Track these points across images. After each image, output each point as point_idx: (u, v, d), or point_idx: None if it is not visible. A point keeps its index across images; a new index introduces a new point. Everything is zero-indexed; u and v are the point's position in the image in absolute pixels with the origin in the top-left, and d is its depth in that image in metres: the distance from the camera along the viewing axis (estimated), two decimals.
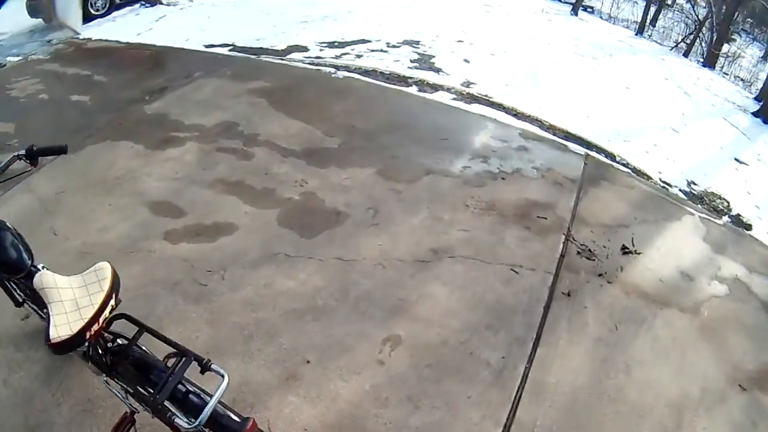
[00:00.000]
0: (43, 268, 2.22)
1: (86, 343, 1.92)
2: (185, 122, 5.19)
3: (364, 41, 7.86)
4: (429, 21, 9.05)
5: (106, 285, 1.97)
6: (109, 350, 2.08)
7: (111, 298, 1.95)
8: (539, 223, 4.14)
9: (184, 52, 7.16)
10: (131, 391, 1.93)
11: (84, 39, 7.74)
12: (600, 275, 3.73)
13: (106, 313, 1.93)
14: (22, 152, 2.53)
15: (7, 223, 2.39)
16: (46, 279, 2.00)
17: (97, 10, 8.72)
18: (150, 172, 4.48)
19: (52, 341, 1.82)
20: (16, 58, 7.09)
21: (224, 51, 7.28)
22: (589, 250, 3.93)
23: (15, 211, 4.43)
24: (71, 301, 1.94)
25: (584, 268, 3.76)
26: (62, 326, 1.85)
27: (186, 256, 3.64)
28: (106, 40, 7.62)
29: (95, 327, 1.88)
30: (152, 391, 1.86)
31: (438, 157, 4.86)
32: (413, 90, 6.37)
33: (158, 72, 6.52)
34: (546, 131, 5.74)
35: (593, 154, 5.44)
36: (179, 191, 4.27)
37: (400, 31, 8.35)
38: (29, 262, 2.26)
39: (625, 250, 3.99)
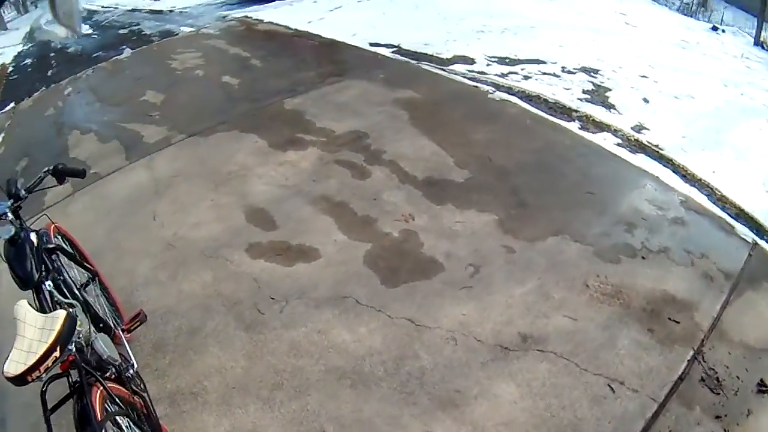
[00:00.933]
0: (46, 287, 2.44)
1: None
2: (316, 124, 5.09)
3: (537, 61, 7.30)
4: (616, 49, 8.26)
5: (51, 337, 1.97)
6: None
7: (54, 350, 1.95)
8: (668, 326, 3.41)
9: (346, 47, 7.12)
10: None
11: (256, 20, 7.98)
12: (718, 417, 2.98)
13: (48, 362, 1.94)
14: (51, 168, 2.85)
15: (32, 236, 2.66)
16: (20, 311, 2.06)
17: None
18: (261, 174, 4.43)
19: (4, 373, 1.89)
20: (189, 29, 7.47)
21: (387, 52, 7.12)
22: (717, 379, 3.16)
23: (129, 186, 4.60)
24: (29, 340, 1.97)
25: (702, 403, 3.02)
26: (14, 363, 1.91)
27: (258, 276, 3.50)
28: (276, 24, 7.79)
29: (35, 373, 1.91)
30: None
31: (574, 215, 4.24)
32: (574, 126, 5.75)
33: (313, 65, 6.52)
34: (714, 203, 4.86)
35: (763, 244, 4.51)
36: (280, 201, 4.16)
37: (581, 55, 7.67)
38: (35, 280, 2.45)
39: (762, 388, 3.17)
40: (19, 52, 15.03)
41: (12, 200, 2.72)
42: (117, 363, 2.66)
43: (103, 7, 18.65)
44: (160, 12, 14.20)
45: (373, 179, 4.43)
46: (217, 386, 2.92)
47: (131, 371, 2.77)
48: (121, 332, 3.06)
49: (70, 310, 2.46)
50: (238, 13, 10.46)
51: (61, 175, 2.91)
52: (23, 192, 2.76)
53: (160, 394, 2.94)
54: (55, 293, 2.55)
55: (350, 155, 4.70)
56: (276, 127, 4.99)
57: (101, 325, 2.93)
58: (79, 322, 2.38)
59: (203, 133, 4.84)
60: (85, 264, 3.30)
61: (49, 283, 2.54)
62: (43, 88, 9.18)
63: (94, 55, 9.78)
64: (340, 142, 4.86)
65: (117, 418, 2.12)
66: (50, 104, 8.49)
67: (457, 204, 4.22)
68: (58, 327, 2.02)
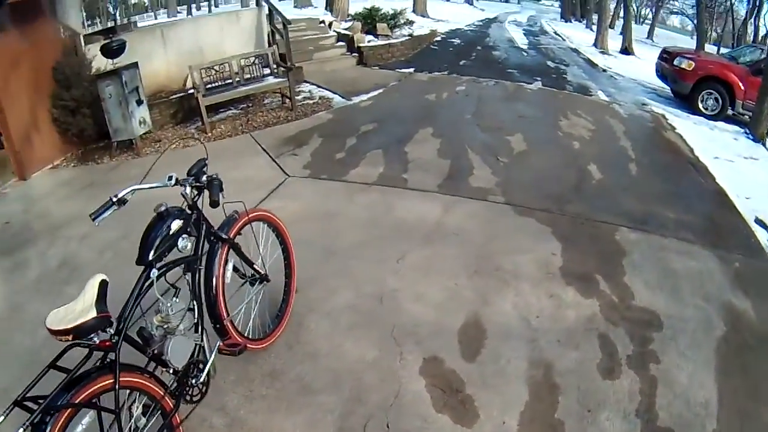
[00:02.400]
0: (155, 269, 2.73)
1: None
2: None
3: None
4: None
5: (77, 321, 2.38)
6: None
7: (68, 333, 2.36)
8: None
9: None
10: None
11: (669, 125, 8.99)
12: None
13: (64, 338, 2.37)
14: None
15: (175, 222, 2.83)
16: (93, 280, 2.54)
17: None
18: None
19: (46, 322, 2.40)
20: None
21: None
22: None
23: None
24: (75, 308, 2.45)
25: None
26: (52, 317, 2.42)
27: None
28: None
29: (61, 337, 2.38)
30: None
31: None
32: None
33: None
34: None
35: None
36: None
37: None
38: (143, 261, 2.72)
39: None
40: (452, 30, 18.29)
41: (192, 177, 2.99)
42: (177, 368, 2.89)
43: None
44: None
45: None
46: None
47: (193, 380, 3.05)
48: (220, 344, 3.27)
49: (166, 301, 2.83)
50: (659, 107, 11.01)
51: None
52: (205, 178, 3.03)
53: None
54: (154, 282, 2.74)
55: None
56: None
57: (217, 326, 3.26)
58: (160, 316, 2.81)
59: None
60: (255, 267, 3.60)
61: (154, 271, 2.73)
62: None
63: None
64: None
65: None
66: (437, 89, 10.01)
67: None
68: (81, 321, 2.36)
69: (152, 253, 2.74)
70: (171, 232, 2.80)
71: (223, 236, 3.26)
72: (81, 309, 2.41)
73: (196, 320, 3.08)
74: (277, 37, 11.17)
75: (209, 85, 9.61)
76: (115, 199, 2.77)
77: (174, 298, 2.93)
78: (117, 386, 2.47)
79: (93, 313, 2.38)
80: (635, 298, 4.14)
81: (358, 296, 4.16)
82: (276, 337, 3.80)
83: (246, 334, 3.58)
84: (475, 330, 3.76)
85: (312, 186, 6.21)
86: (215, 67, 9.58)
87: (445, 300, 4.03)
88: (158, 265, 2.78)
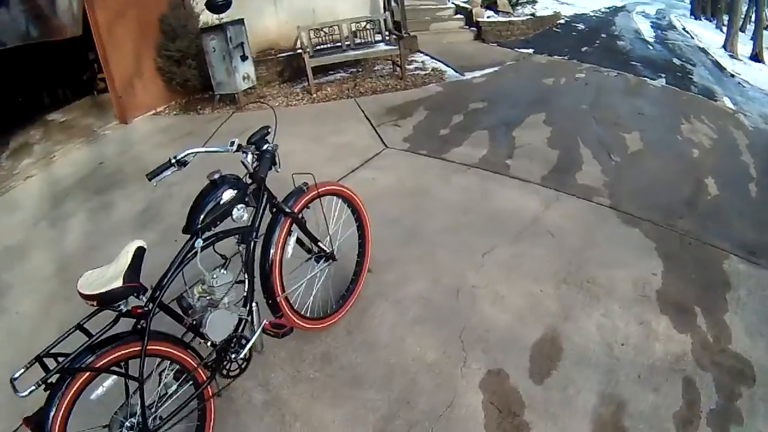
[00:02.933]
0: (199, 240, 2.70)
1: None
2: None
3: None
4: None
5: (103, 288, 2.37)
6: None
7: (93, 299, 2.36)
8: None
9: None
10: None
11: None
12: None
13: (90, 302, 2.37)
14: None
15: (227, 192, 2.78)
16: (130, 246, 2.54)
17: None
18: None
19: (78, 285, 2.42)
20: None
21: None
22: None
23: None
24: (107, 273, 2.45)
25: None
26: (84, 279, 2.45)
27: None
28: None
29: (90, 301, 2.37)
30: None
31: None
32: None
33: None
34: None
35: None
36: None
37: None
38: (193, 228, 2.70)
39: None
40: (576, 14, 18.09)
41: (253, 145, 2.93)
42: (214, 342, 2.87)
43: None
44: None
45: None
46: None
47: (232, 355, 3.01)
48: (265, 324, 3.17)
49: (210, 272, 2.79)
50: None
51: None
52: (270, 146, 2.97)
53: None
54: (198, 252, 2.70)
55: None
56: None
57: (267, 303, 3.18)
58: (201, 287, 2.79)
59: None
60: (319, 244, 3.47)
61: (199, 241, 2.70)
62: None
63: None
64: None
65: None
66: (555, 73, 9.58)
67: None
68: (107, 288, 2.34)
69: (199, 221, 2.70)
70: (222, 201, 2.75)
71: (286, 209, 3.15)
72: (111, 275, 2.40)
73: (245, 294, 3.03)
74: (393, 4, 10.99)
75: (318, 47, 9.61)
76: (173, 160, 2.80)
77: (221, 270, 2.88)
78: (144, 354, 2.49)
79: (119, 282, 2.36)
80: (732, 341, 3.61)
81: (433, 287, 3.97)
82: (337, 320, 3.69)
83: (304, 313, 3.50)
84: (551, 347, 3.44)
85: (408, 160, 6.06)
86: (325, 29, 9.58)
87: (526, 307, 3.74)
88: (206, 234, 2.75)
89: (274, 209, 3.16)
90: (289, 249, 3.22)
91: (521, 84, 8.81)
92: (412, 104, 7.96)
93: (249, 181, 2.95)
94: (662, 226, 4.64)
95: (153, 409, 2.66)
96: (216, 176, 2.79)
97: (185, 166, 2.88)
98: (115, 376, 2.47)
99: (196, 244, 2.70)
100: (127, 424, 2.53)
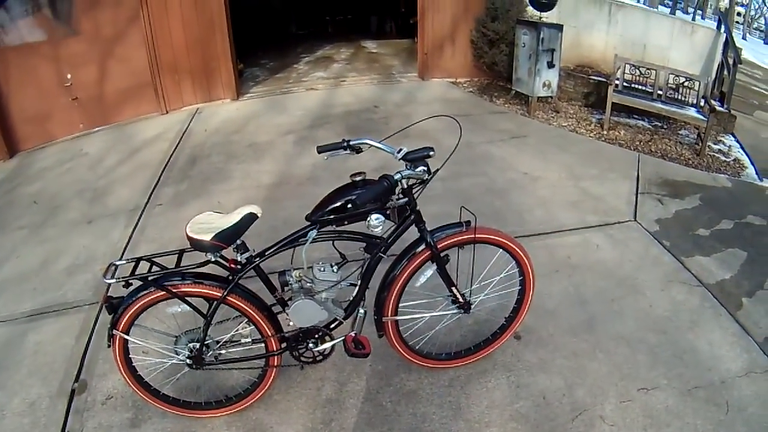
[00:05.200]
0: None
1: None
2: None
3: None
4: None
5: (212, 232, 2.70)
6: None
7: (210, 242, 2.69)
8: None
9: None
10: None
11: None
12: None
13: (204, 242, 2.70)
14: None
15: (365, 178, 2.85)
16: (250, 207, 2.86)
17: None
18: None
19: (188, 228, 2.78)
20: None
21: None
22: None
23: None
24: (216, 222, 2.78)
25: None
26: (192, 223, 2.80)
27: None
28: None
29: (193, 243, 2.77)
30: None
31: None
32: None
33: None
34: None
35: None
36: None
37: None
38: (313, 218, 2.87)
39: None
40: None
41: (410, 162, 2.85)
42: (298, 330, 3.09)
43: None
44: None
45: None
46: None
47: (310, 344, 3.15)
48: (349, 337, 3.18)
49: (322, 267, 2.95)
50: None
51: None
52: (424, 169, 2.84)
53: None
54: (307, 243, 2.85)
55: None
56: None
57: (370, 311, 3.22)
58: (299, 275, 2.92)
59: None
60: (453, 289, 3.33)
61: (312, 233, 2.84)
62: None
63: None
64: None
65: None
66: None
67: None
68: (199, 237, 2.67)
69: (321, 214, 2.81)
70: (355, 204, 2.75)
71: (429, 240, 3.07)
72: (214, 227, 2.69)
73: (352, 298, 3.12)
74: (725, 72, 10.18)
75: (630, 84, 9.30)
76: (345, 144, 2.96)
77: (332, 266, 3.00)
78: (220, 301, 2.84)
79: (208, 237, 2.65)
80: None
81: (562, 392, 3.72)
82: (445, 367, 3.68)
83: (414, 345, 3.53)
84: None
85: (645, 245, 5.74)
86: (641, 69, 9.23)
87: None
88: (325, 228, 2.86)
89: (419, 236, 3.10)
90: (422, 278, 3.19)
91: None
92: (690, 187, 7.42)
93: (400, 196, 2.92)
94: None
95: (217, 348, 3.06)
96: (358, 178, 2.81)
97: (358, 153, 3.05)
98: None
99: (308, 235, 2.85)
100: (190, 345, 2.99)
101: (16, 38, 7.58)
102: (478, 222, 3.14)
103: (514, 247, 3.35)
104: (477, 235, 3.13)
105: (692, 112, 8.80)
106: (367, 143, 2.99)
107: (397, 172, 2.77)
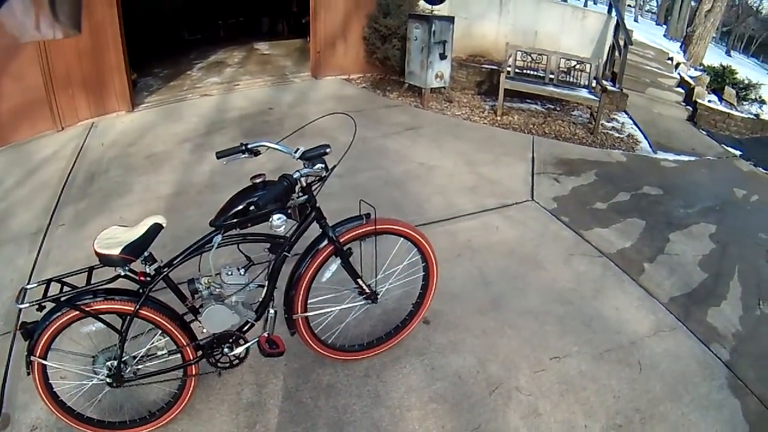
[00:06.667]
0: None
1: None
2: None
3: None
4: None
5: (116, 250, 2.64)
6: None
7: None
8: None
9: None
10: None
11: None
12: None
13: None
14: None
15: (268, 201, 2.72)
16: (150, 219, 2.83)
17: None
18: None
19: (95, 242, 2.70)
20: None
21: None
22: None
23: None
24: (120, 236, 2.75)
25: None
26: (98, 238, 2.71)
27: None
28: None
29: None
30: None
31: None
32: None
33: None
34: None
35: None
36: None
37: None
38: (217, 223, 2.84)
39: None
40: None
41: (307, 161, 2.86)
42: (212, 336, 3.05)
43: None
44: None
45: None
46: None
47: (225, 349, 3.11)
48: (264, 337, 3.16)
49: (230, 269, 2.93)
50: None
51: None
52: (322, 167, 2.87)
53: None
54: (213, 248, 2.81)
55: None
56: None
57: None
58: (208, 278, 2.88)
59: None
60: (359, 281, 3.34)
61: (218, 237, 2.81)
62: None
63: None
64: None
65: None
66: (750, 186, 7.64)
67: None
68: (106, 252, 2.62)
69: (224, 219, 2.81)
70: (256, 206, 2.77)
71: (331, 235, 3.10)
72: (120, 240, 2.67)
73: (261, 300, 3.10)
74: (617, 54, 10.46)
75: (522, 70, 9.42)
76: (244, 147, 2.95)
77: (239, 269, 2.99)
78: (133, 315, 2.79)
79: (117, 252, 2.62)
80: None
81: (476, 369, 3.75)
82: (359, 359, 3.69)
83: (326, 340, 3.55)
84: None
85: (544, 221, 5.80)
86: (533, 55, 9.37)
87: None
88: (229, 232, 2.87)
89: (321, 232, 3.14)
90: (328, 273, 3.21)
91: (708, 184, 7.91)
92: (586, 164, 7.56)
93: (300, 194, 2.94)
94: None
95: (134, 363, 2.99)
96: (258, 180, 2.84)
97: (256, 155, 3.03)
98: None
99: (214, 240, 2.82)
100: (108, 364, 2.91)
101: None
102: (378, 214, 3.19)
103: (414, 234, 3.42)
104: (377, 227, 3.20)
105: (584, 93, 9.01)
106: (265, 145, 3.00)
107: (296, 171, 2.78)
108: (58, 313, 2.72)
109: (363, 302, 3.47)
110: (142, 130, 7.86)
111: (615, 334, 4.28)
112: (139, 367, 3.02)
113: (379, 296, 3.49)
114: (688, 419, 3.69)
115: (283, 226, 2.84)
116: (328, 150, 2.88)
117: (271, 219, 2.80)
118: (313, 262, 3.14)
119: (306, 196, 2.95)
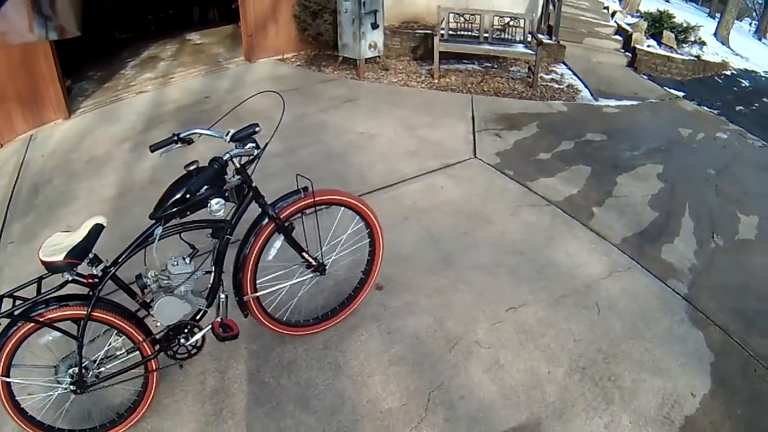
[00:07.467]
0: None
1: None
2: None
3: None
4: None
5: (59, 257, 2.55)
6: None
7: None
8: None
9: None
10: None
11: None
12: None
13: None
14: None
15: (202, 184, 2.73)
16: (91, 220, 2.78)
17: None
18: None
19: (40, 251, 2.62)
20: None
21: None
22: None
23: None
24: (63, 242, 2.65)
25: None
26: (43, 247, 2.63)
27: None
28: None
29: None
30: None
31: None
32: None
33: None
34: None
35: None
36: None
37: None
38: (156, 215, 2.77)
39: None
40: (746, 70, 14.21)
41: (238, 141, 2.84)
42: (166, 329, 2.99)
43: None
44: None
45: None
46: None
47: (182, 339, 3.07)
48: (217, 323, 3.11)
49: (176, 259, 2.86)
50: None
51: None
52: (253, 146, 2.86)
53: None
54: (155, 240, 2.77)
55: None
56: None
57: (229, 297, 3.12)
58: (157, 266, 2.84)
59: None
60: (304, 254, 3.29)
61: (159, 229, 2.76)
62: None
63: None
64: None
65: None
66: (695, 125, 7.83)
67: None
68: (51, 259, 2.53)
69: (162, 210, 2.75)
70: (193, 193, 2.73)
71: (270, 213, 3.07)
72: (65, 246, 2.59)
73: (211, 285, 3.05)
74: (551, 7, 10.32)
75: (455, 33, 9.24)
76: (176, 137, 2.91)
77: (184, 259, 2.93)
78: (86, 319, 2.73)
79: (61, 257, 2.54)
80: None
81: (434, 328, 3.71)
82: (316, 332, 3.65)
83: (281, 317, 3.51)
84: None
85: (488, 177, 5.67)
86: (465, 16, 9.17)
87: (521, 386, 3.33)
88: (170, 223, 2.82)
89: (260, 211, 3.12)
90: (273, 251, 3.20)
91: (652, 126, 7.88)
92: (527, 117, 7.43)
93: (235, 176, 2.90)
94: (733, 340, 3.86)
95: (95, 367, 2.95)
96: (192, 167, 2.77)
97: (190, 144, 2.99)
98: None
99: (155, 232, 2.78)
100: (70, 372, 2.87)
101: None
102: (321, 186, 3.19)
103: (354, 202, 3.40)
104: (315, 198, 3.16)
105: (520, 48, 8.87)
106: (196, 132, 2.97)
107: (226, 153, 2.77)
108: (14, 328, 2.69)
109: (311, 275, 3.41)
110: (81, 135, 7.54)
111: (570, 280, 4.20)
112: (101, 369, 2.98)
113: (327, 267, 3.44)
114: (653, 355, 3.61)
115: (222, 210, 2.83)
116: (257, 129, 2.85)
117: (209, 204, 2.78)
118: (257, 241, 3.11)
119: (241, 177, 2.91)
